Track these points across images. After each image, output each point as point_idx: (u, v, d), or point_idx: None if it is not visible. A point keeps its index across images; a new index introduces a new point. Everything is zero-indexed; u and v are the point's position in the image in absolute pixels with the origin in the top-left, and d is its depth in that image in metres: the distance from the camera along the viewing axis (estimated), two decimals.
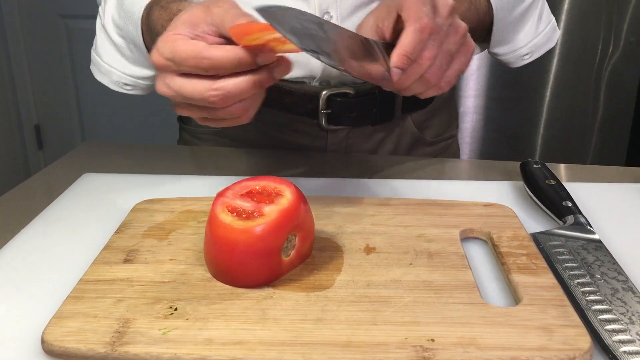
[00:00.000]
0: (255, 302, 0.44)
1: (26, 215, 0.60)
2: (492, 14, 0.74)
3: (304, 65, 0.77)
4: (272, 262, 0.46)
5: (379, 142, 0.84)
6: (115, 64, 0.74)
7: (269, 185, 0.49)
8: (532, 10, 0.79)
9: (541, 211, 0.60)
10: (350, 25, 0.74)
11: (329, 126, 0.81)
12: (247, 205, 0.46)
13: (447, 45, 0.50)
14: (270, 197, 0.47)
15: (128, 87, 0.75)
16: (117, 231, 0.54)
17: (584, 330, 0.41)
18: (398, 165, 0.77)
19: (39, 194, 0.67)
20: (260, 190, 0.48)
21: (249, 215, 0.45)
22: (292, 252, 0.47)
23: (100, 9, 0.74)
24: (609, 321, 0.43)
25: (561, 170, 0.75)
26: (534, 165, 0.64)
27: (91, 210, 0.60)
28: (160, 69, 0.48)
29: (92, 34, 0.76)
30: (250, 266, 0.45)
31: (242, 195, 0.48)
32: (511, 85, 2.03)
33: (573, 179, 0.72)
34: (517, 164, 0.67)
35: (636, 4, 1.95)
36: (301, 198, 0.48)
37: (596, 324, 0.42)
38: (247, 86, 0.46)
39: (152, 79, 0.72)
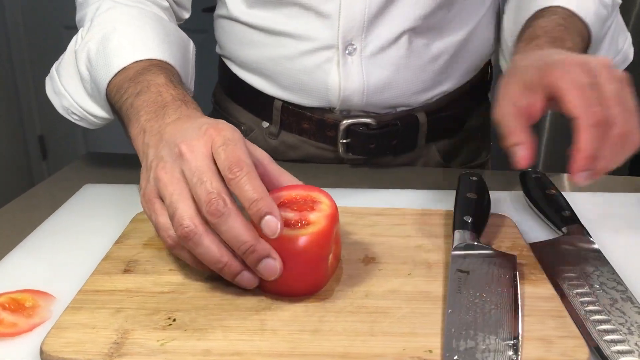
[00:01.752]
0: (254, 312, 0.44)
1: (29, 225, 0.60)
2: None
3: (323, 96, 0.76)
4: (322, 266, 0.46)
5: (396, 172, 0.83)
6: (72, 90, 0.69)
7: (301, 194, 0.48)
8: (612, 28, 0.74)
9: (541, 221, 0.60)
10: (373, 58, 0.73)
11: (347, 155, 0.80)
12: (290, 215, 0.46)
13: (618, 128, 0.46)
14: (308, 204, 0.47)
15: (75, 117, 0.71)
16: (117, 242, 0.54)
17: (582, 342, 0.41)
18: (397, 174, 0.77)
19: (41, 204, 0.68)
20: (297, 198, 0.48)
21: (295, 224, 0.45)
22: (331, 256, 0.47)
23: (80, 31, 0.70)
24: (608, 331, 0.42)
25: (563, 180, 0.75)
26: (533, 175, 0.64)
27: (92, 221, 0.61)
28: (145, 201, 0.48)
29: None
30: (306, 273, 0.45)
31: (279, 205, 0.46)
32: None
33: (575, 188, 0.72)
34: (517, 173, 0.67)
35: (636, 17, 1.95)
36: (335, 203, 0.48)
37: (595, 335, 0.42)
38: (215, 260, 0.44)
39: (104, 119, 0.69)
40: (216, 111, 0.90)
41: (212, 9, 0.86)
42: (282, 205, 0.47)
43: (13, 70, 2.65)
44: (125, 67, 0.61)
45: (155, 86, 0.57)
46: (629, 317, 0.44)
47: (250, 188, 0.43)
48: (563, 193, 0.61)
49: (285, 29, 0.75)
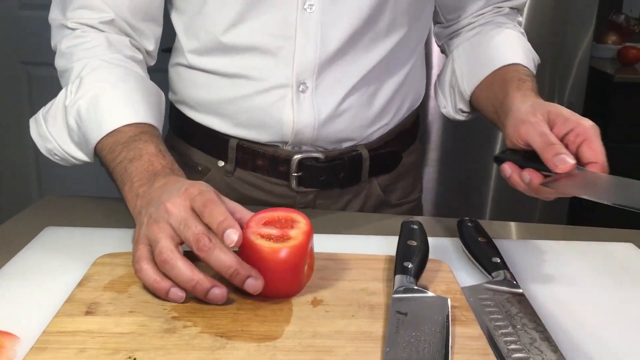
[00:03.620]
0: (210, 352, 0.48)
1: None
2: None
3: (277, 130, 0.82)
4: (300, 273, 0.56)
5: (345, 204, 0.90)
6: (57, 136, 0.76)
7: (282, 215, 0.58)
8: None
9: (474, 266, 0.66)
10: (323, 96, 0.81)
11: (299, 188, 0.87)
12: (273, 231, 0.56)
13: None
14: (288, 223, 0.57)
15: (57, 158, 0.78)
16: (80, 284, 0.57)
17: None
18: (345, 220, 0.83)
19: (2, 246, 0.69)
20: (278, 219, 0.58)
21: (278, 239, 0.55)
22: (306, 266, 0.57)
23: (70, 86, 0.75)
24: None
25: (508, 228, 0.82)
26: (468, 224, 0.70)
27: (54, 263, 0.63)
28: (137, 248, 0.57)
29: (52, 81, 0.78)
30: (289, 277, 0.56)
31: (264, 224, 0.57)
32: (462, 138, 2.13)
33: (518, 236, 0.78)
34: (455, 221, 0.73)
35: (577, 70, 2.09)
36: (310, 222, 0.58)
37: None
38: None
39: (83, 162, 0.77)
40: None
41: (170, 49, 0.92)
42: (266, 223, 0.57)
43: None
44: (116, 130, 0.70)
45: (147, 155, 0.66)
46: (546, 355, 0.49)
47: (217, 213, 0.54)
48: (496, 240, 0.68)
49: (242, 72, 0.82)
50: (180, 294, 0.54)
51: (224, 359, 0.47)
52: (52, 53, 0.82)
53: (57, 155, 0.77)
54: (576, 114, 0.65)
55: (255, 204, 0.87)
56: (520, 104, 0.71)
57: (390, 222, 0.80)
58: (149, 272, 0.55)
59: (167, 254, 0.54)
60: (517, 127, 0.67)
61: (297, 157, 0.84)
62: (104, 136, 0.70)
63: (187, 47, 0.85)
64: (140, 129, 0.70)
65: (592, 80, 2.15)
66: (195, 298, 0.55)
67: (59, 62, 0.80)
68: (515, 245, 0.72)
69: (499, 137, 2.16)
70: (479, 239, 0.67)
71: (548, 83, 2.11)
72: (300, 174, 0.85)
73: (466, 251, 0.68)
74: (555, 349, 0.50)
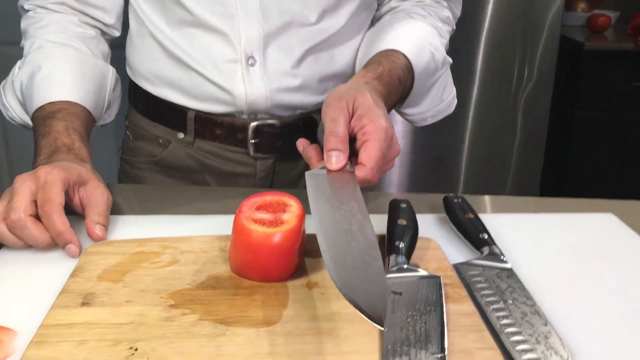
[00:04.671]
0: (210, 339, 0.48)
1: None
2: (412, 85, 0.84)
3: (231, 102, 0.85)
4: (295, 256, 0.57)
5: (304, 168, 0.91)
6: (14, 106, 0.86)
7: (274, 199, 0.59)
8: (440, 80, 0.90)
9: (462, 242, 0.67)
10: (272, 68, 0.84)
11: (257, 154, 0.89)
12: (266, 216, 0.56)
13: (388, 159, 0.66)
14: (280, 207, 0.58)
15: (16, 123, 0.88)
16: (72, 275, 0.57)
17: (498, 352, 0.47)
18: None
19: None
20: (270, 203, 0.58)
21: (271, 223, 0.55)
22: (299, 249, 0.58)
23: (19, 62, 0.85)
24: (519, 342, 0.49)
25: (483, 201, 0.83)
26: (455, 200, 0.72)
27: (44, 254, 0.62)
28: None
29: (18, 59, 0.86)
30: (284, 261, 0.56)
31: (257, 209, 0.57)
32: None
33: (493, 209, 0.80)
34: (441, 197, 0.74)
35: (546, 38, 2.12)
36: (302, 205, 0.58)
37: (508, 345, 0.49)
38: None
39: None
40: (131, 130, 0.97)
41: None
42: (259, 208, 0.58)
43: None
44: (41, 106, 0.78)
45: (54, 133, 0.73)
46: (537, 329, 0.51)
47: (57, 222, 0.60)
48: (482, 215, 0.69)
49: (193, 48, 0.85)
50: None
51: (225, 346, 0.47)
52: (18, 32, 0.90)
53: (16, 122, 0.87)
54: (378, 111, 0.64)
55: (217, 172, 0.91)
56: (342, 85, 0.70)
57: (380, 201, 0.81)
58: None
59: (19, 214, 0.60)
60: (324, 106, 0.67)
61: (253, 124, 0.87)
62: (34, 110, 0.78)
63: (145, 13, 0.88)
64: (60, 107, 0.77)
65: (562, 48, 2.18)
66: (192, 285, 0.55)
67: (22, 41, 0.89)
68: (495, 219, 0.73)
69: (470, 112, 2.18)
70: (466, 215, 0.69)
71: (519, 52, 2.13)
72: (257, 140, 0.88)
73: (454, 228, 0.69)
74: (545, 322, 0.52)
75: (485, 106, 2.18)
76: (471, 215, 0.68)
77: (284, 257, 0.56)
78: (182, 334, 0.49)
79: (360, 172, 0.61)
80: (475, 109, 2.18)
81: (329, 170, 0.61)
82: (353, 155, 0.63)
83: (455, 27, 0.95)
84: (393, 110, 0.86)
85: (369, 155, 0.61)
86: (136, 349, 0.47)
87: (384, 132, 0.62)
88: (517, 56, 2.13)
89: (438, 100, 0.92)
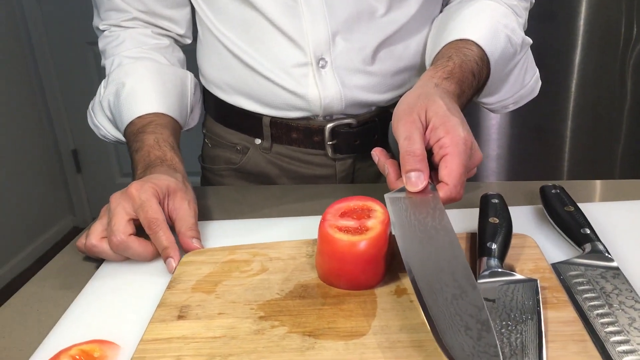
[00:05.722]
0: (299, 353, 0.48)
1: (84, 272, 0.65)
2: (489, 74, 0.77)
3: (305, 107, 0.84)
4: (382, 263, 0.55)
5: None
6: (105, 126, 0.90)
7: (358, 204, 0.58)
8: (520, 64, 0.84)
9: (561, 237, 0.63)
10: (344, 68, 0.82)
11: (336, 155, 0.88)
12: (350, 223, 0.56)
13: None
14: (365, 213, 0.57)
15: (110, 141, 0.92)
16: (169, 287, 0.59)
17: None
18: None
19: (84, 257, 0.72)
20: (355, 208, 0.57)
21: (356, 231, 0.55)
22: (386, 254, 0.56)
23: (103, 82, 0.89)
24: (627, 352, 0.46)
25: (590, 187, 0.77)
26: (552, 191, 0.67)
27: (142, 266, 0.66)
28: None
29: None
30: (370, 269, 0.55)
31: (340, 215, 0.57)
32: None
33: (602, 197, 0.74)
34: (537, 185, 0.70)
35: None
36: (387, 210, 0.56)
37: (614, 356, 0.46)
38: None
39: None
40: (209, 138, 0.99)
41: None
42: (343, 215, 0.57)
43: (42, 87, 2.74)
44: (131, 122, 0.81)
45: (146, 147, 0.76)
46: None
47: (163, 238, 0.64)
48: (584, 205, 0.64)
49: (262, 54, 0.84)
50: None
51: None
52: None
53: (110, 139, 0.91)
54: (453, 119, 0.59)
55: (296, 176, 0.92)
56: (410, 92, 0.65)
57: (471, 192, 0.78)
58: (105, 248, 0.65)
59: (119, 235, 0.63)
60: (394, 120, 0.62)
61: (329, 125, 0.86)
62: (125, 127, 0.81)
63: (210, 20, 0.88)
64: (148, 120, 0.80)
65: None
66: (280, 295, 0.56)
67: (102, 61, 0.92)
68: (601, 208, 0.68)
69: (573, 80, 2.05)
70: (565, 208, 0.64)
71: (626, 9, 1.96)
72: (334, 141, 0.87)
73: (552, 221, 0.65)
74: None
75: (590, 72, 2.03)
76: (571, 208, 0.64)
77: (370, 264, 0.55)
78: (271, 347, 0.49)
79: (444, 192, 0.57)
80: (578, 75, 2.04)
81: (409, 193, 0.58)
82: (432, 169, 0.60)
83: (534, 1, 0.88)
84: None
85: (450, 171, 0.57)
86: None
87: (463, 144, 0.58)
88: (624, 14, 1.96)
89: (519, 85, 0.86)
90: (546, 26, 1.99)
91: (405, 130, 0.59)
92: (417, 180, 0.57)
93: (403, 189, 0.58)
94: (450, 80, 0.68)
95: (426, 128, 0.60)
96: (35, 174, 2.70)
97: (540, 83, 0.90)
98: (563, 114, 2.09)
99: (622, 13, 1.97)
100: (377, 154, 0.64)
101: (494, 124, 2.13)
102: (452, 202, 0.58)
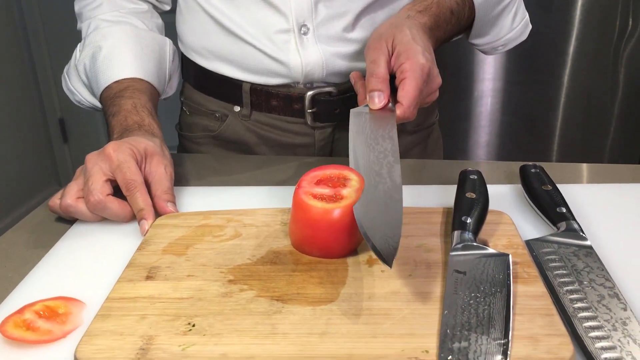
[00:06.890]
0: (266, 317, 0.48)
1: (56, 232, 0.64)
2: (474, 15, 0.80)
3: (286, 74, 0.84)
4: (355, 232, 0.54)
5: None
6: (80, 90, 0.89)
7: (334, 173, 0.58)
8: (509, 8, 0.86)
9: (538, 216, 0.63)
10: (325, 35, 0.82)
11: (315, 123, 0.88)
12: (325, 191, 0.56)
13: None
14: (340, 181, 0.57)
15: (84, 106, 0.91)
16: (139, 248, 0.58)
17: (567, 339, 0.44)
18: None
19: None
20: (330, 177, 0.57)
21: (330, 199, 0.54)
22: None
23: (78, 46, 0.87)
24: (593, 328, 0.46)
25: (577, 170, 0.77)
26: (532, 170, 0.67)
27: (114, 226, 0.65)
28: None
29: None
30: (343, 238, 0.55)
31: (316, 183, 0.57)
32: (528, 68, 2.03)
33: (589, 179, 0.74)
34: (517, 165, 0.70)
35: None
36: (363, 178, 0.56)
37: (581, 331, 0.46)
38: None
39: None
40: (187, 106, 0.98)
41: None
42: (318, 182, 0.57)
43: (31, 56, 2.70)
44: (108, 86, 0.80)
45: (124, 111, 0.75)
46: (614, 314, 0.47)
47: (140, 201, 0.63)
48: (570, 184, 0.64)
49: (245, 20, 0.83)
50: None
51: (280, 324, 0.47)
52: None
53: (85, 105, 0.90)
54: (415, 47, 0.65)
55: (275, 144, 0.91)
56: (384, 22, 0.72)
57: (453, 169, 0.78)
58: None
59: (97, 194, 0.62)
60: (366, 49, 0.69)
61: (310, 93, 0.86)
62: (101, 91, 0.81)
63: None
64: (126, 85, 0.79)
65: None
66: (252, 260, 0.55)
67: (78, 24, 0.92)
68: (583, 190, 0.68)
69: (567, 69, 2.04)
70: (543, 186, 0.64)
71: (622, 0, 1.96)
72: (314, 109, 0.87)
73: (529, 200, 0.64)
74: (625, 306, 0.48)
75: (583, 62, 2.03)
76: (549, 187, 0.64)
77: (343, 233, 0.55)
78: (238, 310, 0.49)
79: (398, 110, 0.63)
80: (571, 65, 2.04)
81: (371, 109, 0.64)
82: (395, 92, 0.66)
83: None
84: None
85: (405, 93, 0.63)
86: (193, 325, 0.47)
87: (420, 69, 0.64)
88: (620, 5, 1.95)
89: (507, 28, 0.89)
90: (541, 15, 1.98)
91: (372, 55, 0.66)
92: (377, 99, 0.64)
93: (367, 106, 0.66)
94: (424, 13, 0.73)
95: (392, 55, 0.66)
96: (21, 141, 2.67)
97: (530, 27, 0.92)
98: (554, 102, 2.09)
99: (619, 3, 1.96)
100: (354, 76, 0.70)
101: (485, 111, 2.13)
102: (405, 120, 0.64)
